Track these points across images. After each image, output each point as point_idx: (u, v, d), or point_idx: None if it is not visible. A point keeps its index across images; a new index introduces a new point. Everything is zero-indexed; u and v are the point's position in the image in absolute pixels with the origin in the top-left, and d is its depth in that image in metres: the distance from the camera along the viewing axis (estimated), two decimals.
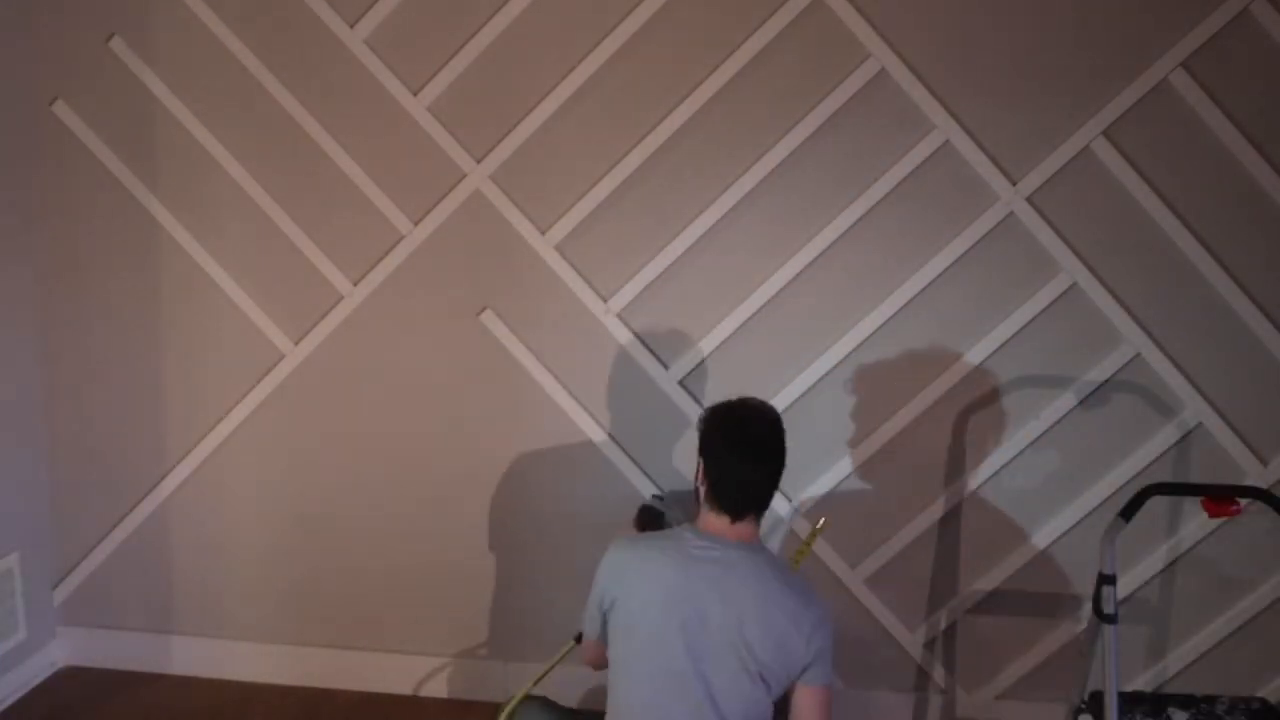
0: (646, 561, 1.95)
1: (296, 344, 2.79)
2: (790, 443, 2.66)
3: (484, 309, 2.72)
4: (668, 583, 1.91)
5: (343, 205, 2.71)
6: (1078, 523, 2.65)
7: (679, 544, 1.95)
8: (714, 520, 1.97)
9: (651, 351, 2.69)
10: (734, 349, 2.67)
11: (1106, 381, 2.59)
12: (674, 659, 1.88)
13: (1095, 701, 2.23)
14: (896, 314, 2.61)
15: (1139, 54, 2.45)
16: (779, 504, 2.70)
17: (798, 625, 1.89)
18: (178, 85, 2.70)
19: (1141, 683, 2.72)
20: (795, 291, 2.63)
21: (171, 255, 2.78)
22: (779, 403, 2.67)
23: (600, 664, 2.10)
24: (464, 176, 2.66)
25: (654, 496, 2.68)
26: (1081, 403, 2.60)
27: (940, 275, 2.58)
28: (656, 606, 1.90)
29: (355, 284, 2.75)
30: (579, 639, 2.19)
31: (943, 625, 2.76)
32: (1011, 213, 2.54)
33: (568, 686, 2.59)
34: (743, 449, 1.99)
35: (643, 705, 1.92)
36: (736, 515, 1.96)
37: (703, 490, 2.00)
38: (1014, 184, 2.52)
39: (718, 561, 1.91)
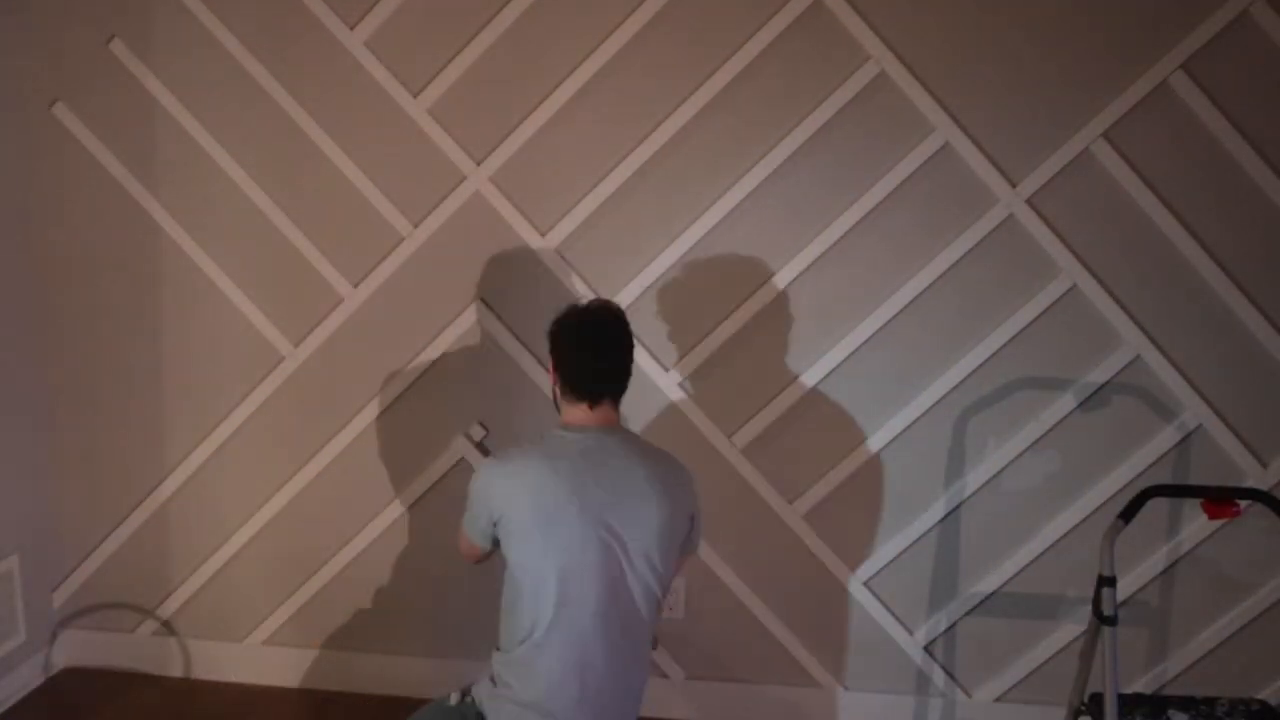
0: (517, 475, 1.99)
1: (296, 346, 2.79)
2: (791, 445, 2.70)
3: (483, 311, 2.72)
4: (544, 486, 1.96)
5: (343, 207, 2.71)
6: (1078, 524, 2.65)
7: (545, 445, 2.02)
8: (573, 412, 2.05)
9: (651, 354, 2.69)
10: (735, 351, 2.67)
11: (1106, 383, 2.59)
12: (571, 553, 1.94)
13: (1095, 703, 2.23)
14: (897, 316, 2.61)
15: (1139, 56, 2.45)
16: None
17: (672, 496, 2.02)
18: (178, 87, 2.71)
19: (1141, 685, 2.72)
20: (795, 293, 2.63)
21: (171, 257, 2.79)
22: (780, 404, 2.68)
23: (477, 560, 2.22)
24: (464, 178, 2.66)
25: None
26: (1081, 405, 2.61)
27: (940, 277, 2.58)
28: (543, 510, 1.95)
29: (355, 286, 2.75)
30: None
31: (943, 627, 2.76)
32: (1011, 215, 2.54)
33: None
34: (586, 338, 2.07)
35: (559, 594, 1.95)
36: (593, 401, 2.04)
37: (558, 390, 2.08)
38: (1014, 186, 2.53)
39: (586, 449, 1.99)
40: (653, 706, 2.84)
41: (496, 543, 2.07)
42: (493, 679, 2.06)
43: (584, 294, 2.68)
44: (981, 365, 2.61)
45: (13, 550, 2.83)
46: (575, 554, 1.95)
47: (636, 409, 2.71)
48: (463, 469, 2.80)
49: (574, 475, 1.97)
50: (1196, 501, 2.29)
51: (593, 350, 2.06)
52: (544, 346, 2.68)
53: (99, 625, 3.00)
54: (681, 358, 2.69)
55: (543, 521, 1.95)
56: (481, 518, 2.04)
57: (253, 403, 2.83)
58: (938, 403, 2.64)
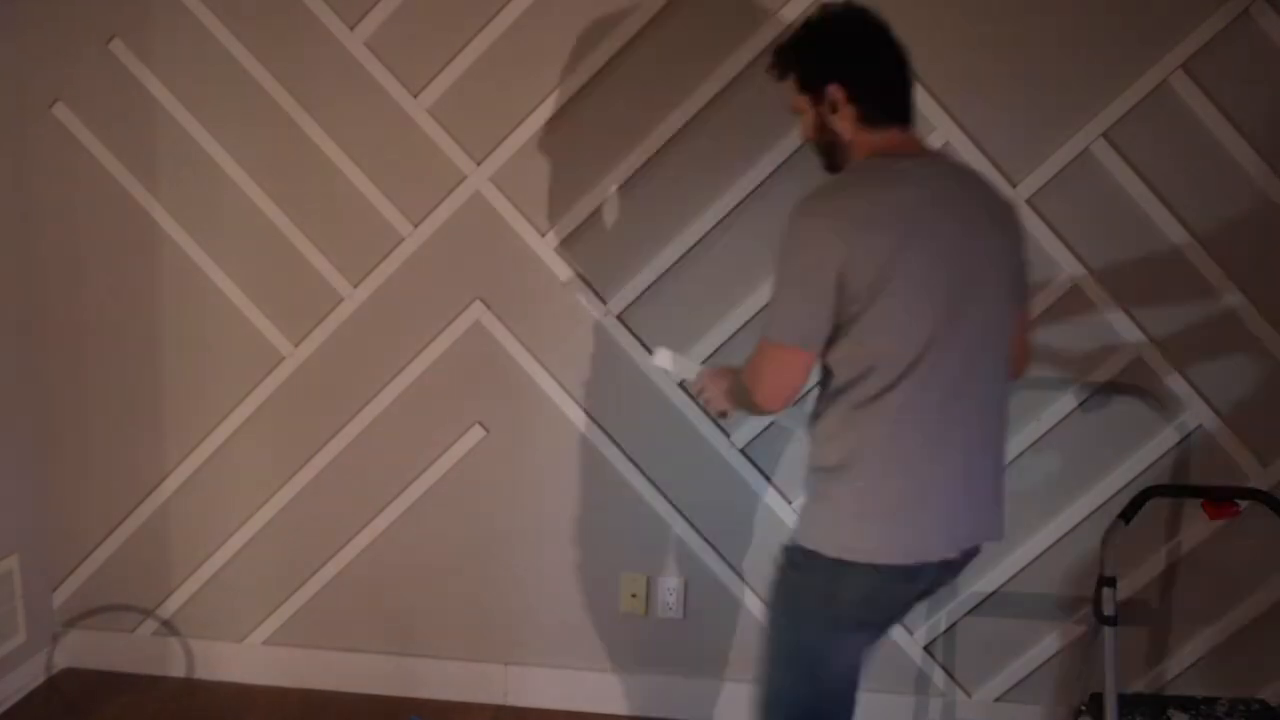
0: (869, 221, 1.61)
1: (296, 346, 2.79)
2: (790, 443, 2.69)
3: (483, 311, 2.72)
4: (906, 230, 1.60)
5: (343, 207, 2.71)
6: (1078, 524, 2.65)
7: (885, 177, 1.65)
8: (885, 138, 1.68)
9: (651, 353, 2.69)
10: (734, 351, 2.67)
11: (1106, 383, 2.59)
12: (943, 318, 1.62)
13: (1095, 704, 2.23)
14: None
15: (1139, 56, 2.45)
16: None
17: (1016, 229, 1.76)
18: (178, 88, 2.71)
19: (1141, 685, 2.72)
20: None
21: (171, 257, 2.79)
22: None
23: (802, 383, 1.71)
24: (464, 178, 2.66)
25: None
26: (1081, 405, 2.61)
27: None
28: (908, 266, 1.60)
29: (355, 285, 2.75)
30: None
31: (942, 627, 2.76)
32: None
33: None
34: (884, 38, 1.71)
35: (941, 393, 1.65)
36: (908, 119, 1.71)
37: (850, 114, 1.69)
38: (1014, 186, 2.53)
39: (936, 180, 1.67)
40: (654, 706, 2.84)
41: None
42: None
43: (583, 295, 2.68)
44: None
45: (13, 550, 2.83)
46: (946, 318, 1.64)
47: (633, 406, 2.71)
48: (463, 469, 2.80)
49: (934, 215, 1.63)
50: (1196, 501, 2.29)
51: (896, 51, 1.70)
52: (539, 348, 2.71)
53: (99, 625, 3.00)
54: (682, 358, 2.68)
55: (911, 282, 1.60)
56: (817, 294, 1.61)
57: (253, 403, 2.83)
58: None
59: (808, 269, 1.64)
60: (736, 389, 1.89)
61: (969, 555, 1.80)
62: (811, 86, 1.74)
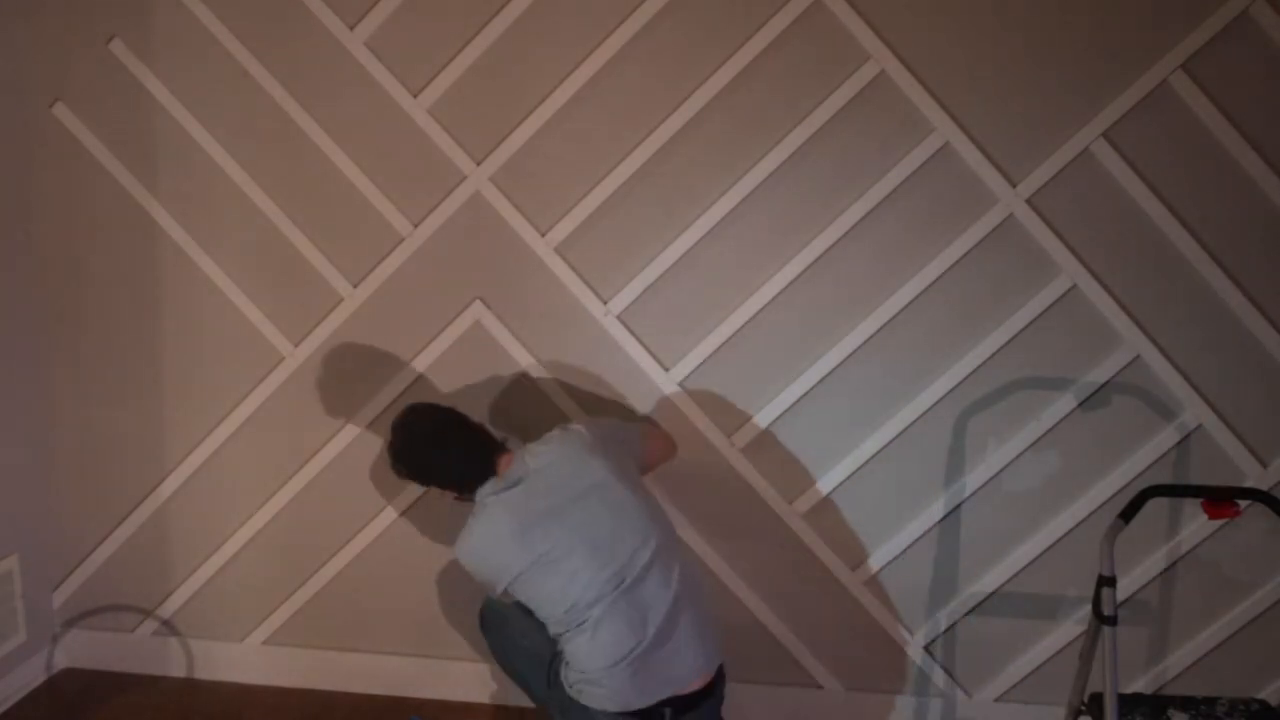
0: (497, 541, 2.21)
1: (296, 346, 2.79)
2: (791, 445, 2.70)
3: (483, 311, 2.72)
4: (519, 534, 2.19)
5: (343, 207, 2.71)
6: (1077, 524, 2.65)
7: (492, 509, 2.23)
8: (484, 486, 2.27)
9: (651, 354, 2.69)
10: (735, 350, 2.67)
11: (1106, 383, 2.59)
12: (586, 565, 2.18)
13: (1095, 703, 2.23)
14: (896, 316, 2.61)
15: (1139, 56, 2.45)
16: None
17: (587, 446, 2.28)
18: (178, 87, 2.71)
19: (1141, 685, 2.72)
20: (795, 293, 2.63)
21: (171, 257, 2.79)
22: (780, 404, 2.68)
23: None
24: (464, 178, 2.66)
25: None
26: (1081, 404, 2.61)
27: (940, 277, 2.58)
28: (531, 553, 2.18)
29: (355, 286, 2.75)
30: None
31: (942, 627, 2.76)
32: (1011, 215, 2.54)
33: None
34: (437, 451, 2.31)
35: (595, 595, 2.18)
36: (486, 475, 2.28)
37: (461, 496, 2.33)
38: (1014, 186, 2.53)
39: (522, 490, 2.23)
40: None
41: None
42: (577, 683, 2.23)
43: (583, 295, 2.68)
44: (981, 365, 2.61)
45: (13, 550, 2.83)
46: (589, 543, 2.18)
47: (638, 410, 2.71)
48: None
49: (534, 506, 2.21)
50: (1196, 501, 2.29)
51: (451, 451, 2.30)
52: (539, 348, 2.71)
53: (99, 625, 3.00)
54: (682, 357, 2.69)
55: (538, 556, 2.18)
56: (488, 584, 2.28)
57: (253, 403, 2.83)
58: (938, 403, 2.64)
59: None
60: None
61: None
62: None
